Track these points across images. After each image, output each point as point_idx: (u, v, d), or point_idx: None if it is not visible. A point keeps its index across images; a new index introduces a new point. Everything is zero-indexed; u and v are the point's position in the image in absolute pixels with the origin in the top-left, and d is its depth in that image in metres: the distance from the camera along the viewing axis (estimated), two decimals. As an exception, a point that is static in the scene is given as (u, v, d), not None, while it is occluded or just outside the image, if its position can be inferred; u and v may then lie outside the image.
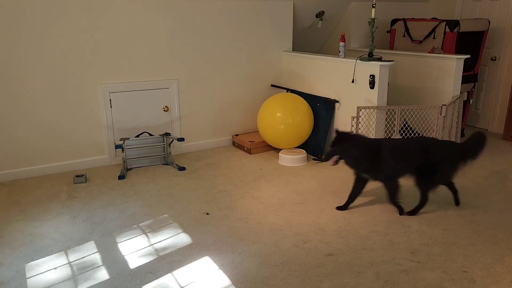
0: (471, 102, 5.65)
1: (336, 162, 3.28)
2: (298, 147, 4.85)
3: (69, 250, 2.91)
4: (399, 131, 4.31)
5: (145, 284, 2.54)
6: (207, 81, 4.94)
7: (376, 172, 3.32)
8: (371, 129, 4.24)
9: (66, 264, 2.75)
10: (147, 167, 4.48)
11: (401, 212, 3.41)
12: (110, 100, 4.42)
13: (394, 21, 5.62)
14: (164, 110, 4.74)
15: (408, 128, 4.50)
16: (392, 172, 3.31)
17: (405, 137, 4.38)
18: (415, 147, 3.31)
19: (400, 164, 3.29)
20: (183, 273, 2.65)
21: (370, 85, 4.17)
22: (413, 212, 3.41)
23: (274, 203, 3.61)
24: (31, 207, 3.55)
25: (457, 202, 3.57)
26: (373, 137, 3.43)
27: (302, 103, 4.67)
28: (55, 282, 2.57)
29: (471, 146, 3.38)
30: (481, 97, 5.94)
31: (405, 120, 4.55)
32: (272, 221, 3.30)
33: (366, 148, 3.27)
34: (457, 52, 4.98)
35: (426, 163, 3.27)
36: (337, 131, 3.27)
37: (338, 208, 3.51)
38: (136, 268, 2.70)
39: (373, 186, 3.97)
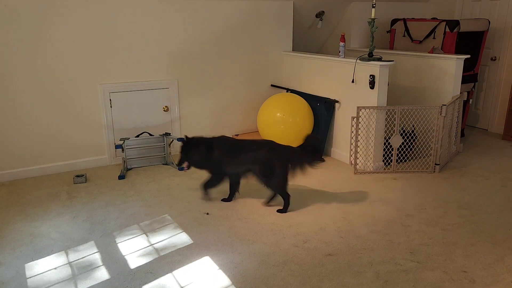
0: (471, 102, 5.65)
1: (188, 167, 3.56)
2: (298, 147, 4.83)
3: (69, 250, 2.91)
4: (400, 132, 4.31)
5: (145, 284, 2.54)
6: (207, 81, 4.94)
7: (211, 168, 3.56)
8: (371, 129, 4.24)
9: (66, 264, 2.75)
10: (147, 167, 4.48)
11: (229, 199, 3.66)
12: (110, 100, 4.42)
13: (394, 21, 5.62)
14: (164, 110, 4.74)
15: (413, 134, 4.50)
16: (222, 169, 3.51)
17: (408, 140, 4.39)
18: (246, 148, 3.45)
19: (231, 162, 3.47)
20: (183, 273, 2.65)
21: (370, 85, 4.17)
22: (282, 211, 3.48)
23: (274, 203, 3.61)
24: (31, 207, 3.55)
25: (281, 211, 3.49)
26: (216, 136, 3.65)
27: (302, 103, 4.67)
28: (55, 282, 2.57)
29: (307, 150, 3.46)
30: (481, 97, 5.94)
31: (413, 126, 4.55)
32: (272, 221, 3.30)
33: (203, 148, 3.50)
34: (457, 52, 4.98)
35: (258, 164, 3.39)
36: (184, 138, 3.54)
37: (224, 200, 3.67)
38: (136, 268, 2.70)
39: (373, 186, 3.97)
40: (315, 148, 3.49)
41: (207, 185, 3.65)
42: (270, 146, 3.48)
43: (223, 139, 3.60)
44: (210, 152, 3.48)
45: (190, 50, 4.75)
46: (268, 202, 3.59)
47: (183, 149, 3.55)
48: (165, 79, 4.69)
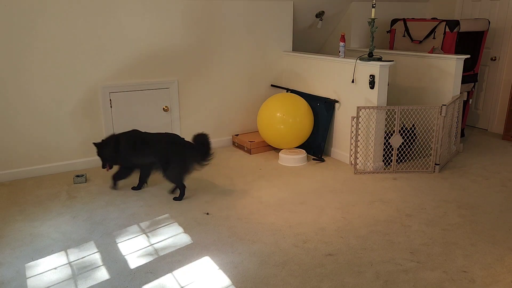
0: (471, 102, 5.65)
1: (110, 167, 3.82)
2: (298, 147, 4.85)
3: (69, 250, 2.91)
4: (399, 131, 4.31)
5: (145, 284, 2.54)
6: (207, 81, 4.94)
7: (120, 161, 3.78)
8: (371, 129, 4.24)
9: (66, 264, 2.75)
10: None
11: (138, 188, 3.92)
12: (110, 100, 4.42)
13: (394, 21, 5.62)
14: (164, 110, 4.74)
15: (413, 130, 4.50)
16: (128, 161, 3.75)
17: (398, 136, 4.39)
18: (150, 141, 3.66)
19: (136, 155, 3.69)
20: (183, 273, 2.66)
21: (370, 85, 4.17)
22: (178, 198, 3.71)
23: (274, 203, 3.61)
24: (31, 207, 3.55)
25: (177, 198, 3.72)
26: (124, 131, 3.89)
27: (302, 103, 4.67)
28: (55, 282, 2.57)
29: (199, 148, 3.61)
30: (481, 97, 5.94)
31: (413, 125, 4.54)
32: (272, 221, 3.30)
33: (112, 145, 3.73)
34: (457, 52, 4.98)
35: (158, 157, 3.61)
36: (94, 143, 3.81)
37: (133, 188, 3.93)
38: (136, 268, 2.70)
39: (373, 186, 3.97)
40: (204, 145, 3.61)
41: (116, 177, 3.87)
42: (171, 140, 3.66)
43: (130, 133, 3.78)
44: (118, 146, 3.71)
45: (190, 50, 4.75)
46: (172, 192, 3.82)
47: (98, 154, 3.81)
48: (165, 79, 4.69)
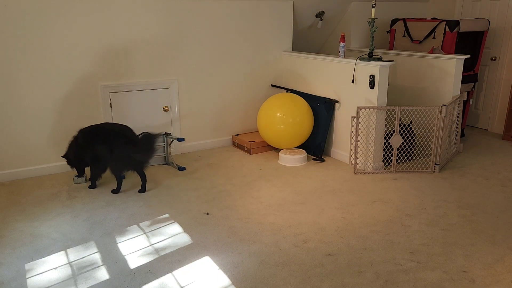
0: (471, 102, 5.65)
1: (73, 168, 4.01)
2: (298, 147, 4.85)
3: (69, 250, 2.91)
4: (399, 130, 4.31)
5: (145, 284, 2.54)
6: (207, 81, 4.94)
7: (86, 156, 3.86)
8: (371, 129, 4.24)
9: (66, 264, 2.75)
10: (147, 167, 4.47)
11: (93, 186, 3.96)
12: (110, 100, 4.42)
13: (394, 21, 5.62)
14: (164, 110, 4.74)
15: (410, 127, 4.50)
16: (83, 156, 3.86)
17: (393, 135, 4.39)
18: (99, 132, 3.78)
19: (91, 147, 3.78)
20: (183, 273, 2.66)
21: (370, 85, 4.17)
22: (115, 191, 3.83)
23: (274, 203, 3.61)
24: (31, 207, 3.55)
25: (141, 190, 3.86)
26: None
27: (302, 103, 4.67)
28: (55, 282, 2.57)
29: (143, 146, 3.72)
30: (481, 97, 5.94)
31: (410, 122, 4.55)
32: (272, 221, 3.30)
33: (74, 145, 3.86)
34: (457, 52, 4.98)
35: (103, 147, 3.73)
36: (62, 156, 3.96)
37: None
38: (136, 268, 2.70)
39: (373, 186, 3.97)
40: (148, 146, 3.73)
41: (93, 176, 3.94)
42: (120, 131, 3.75)
43: (86, 128, 3.86)
44: (78, 142, 3.82)
45: (190, 50, 4.75)
46: (143, 188, 3.86)
47: (68, 163, 3.95)
48: (165, 79, 4.69)
